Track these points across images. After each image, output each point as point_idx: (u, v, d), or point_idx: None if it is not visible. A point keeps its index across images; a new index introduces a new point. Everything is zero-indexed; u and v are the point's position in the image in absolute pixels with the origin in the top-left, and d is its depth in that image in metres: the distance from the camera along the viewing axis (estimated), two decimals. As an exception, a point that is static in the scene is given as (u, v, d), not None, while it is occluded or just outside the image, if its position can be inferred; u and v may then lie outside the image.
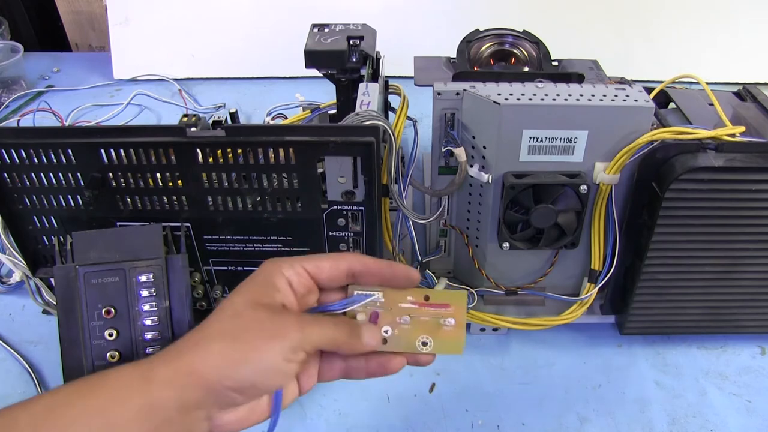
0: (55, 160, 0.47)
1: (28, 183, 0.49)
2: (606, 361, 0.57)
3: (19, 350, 0.58)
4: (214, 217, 0.51)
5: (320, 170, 0.48)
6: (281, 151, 0.46)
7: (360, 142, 0.45)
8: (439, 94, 0.49)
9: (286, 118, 0.85)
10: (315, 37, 0.60)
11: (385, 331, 0.43)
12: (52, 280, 0.57)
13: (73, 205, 0.50)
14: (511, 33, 0.62)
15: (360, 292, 0.43)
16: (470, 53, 0.62)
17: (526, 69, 0.60)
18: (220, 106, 0.96)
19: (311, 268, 0.41)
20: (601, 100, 0.47)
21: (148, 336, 0.47)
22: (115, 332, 0.47)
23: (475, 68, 0.60)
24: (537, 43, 0.61)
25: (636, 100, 0.46)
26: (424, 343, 0.43)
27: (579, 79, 0.55)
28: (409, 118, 0.55)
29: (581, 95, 0.47)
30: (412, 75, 0.56)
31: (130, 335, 0.47)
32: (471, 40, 0.62)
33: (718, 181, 0.47)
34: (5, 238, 0.57)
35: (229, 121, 0.66)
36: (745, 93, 0.58)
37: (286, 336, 0.37)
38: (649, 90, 0.57)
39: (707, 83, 0.54)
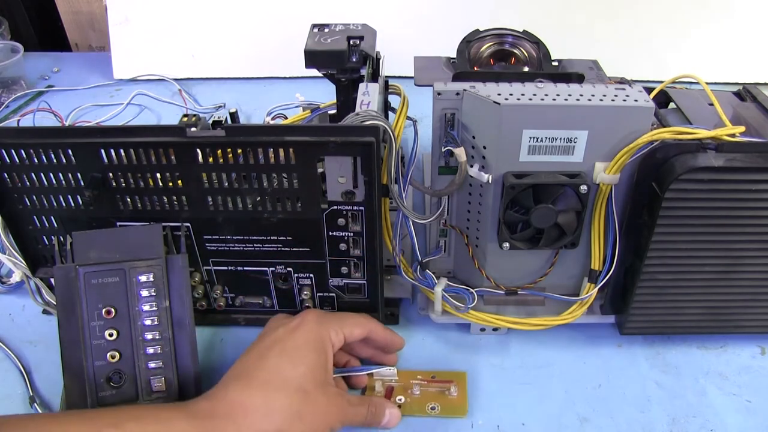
0: (55, 160, 0.47)
1: (28, 183, 0.49)
2: (606, 361, 0.57)
3: (19, 350, 0.58)
4: (214, 217, 0.51)
5: (320, 170, 0.48)
6: (281, 151, 0.46)
7: (360, 142, 0.45)
8: (439, 94, 0.49)
9: (286, 118, 0.85)
10: (315, 37, 0.60)
11: (399, 399, 0.52)
12: (52, 280, 0.57)
13: (73, 205, 0.50)
14: (511, 33, 0.62)
15: (378, 363, 0.54)
16: (470, 53, 0.62)
17: (526, 69, 0.60)
18: (220, 106, 0.96)
19: (348, 334, 0.49)
20: (601, 100, 0.46)
21: (149, 336, 0.47)
22: (115, 332, 0.47)
23: (475, 68, 0.60)
24: (537, 43, 0.61)
25: (636, 100, 0.46)
26: (433, 408, 0.52)
27: (579, 79, 0.55)
28: (409, 118, 0.54)
29: (581, 95, 0.47)
30: (412, 75, 0.56)
31: (130, 335, 0.47)
32: (471, 40, 0.62)
33: (718, 181, 0.47)
34: (5, 238, 0.57)
35: (229, 121, 0.66)
36: (745, 93, 0.58)
37: (333, 424, 0.44)
38: (649, 90, 0.57)
39: (707, 83, 0.54)
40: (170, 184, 0.49)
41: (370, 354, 0.55)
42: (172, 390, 0.48)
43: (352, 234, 0.51)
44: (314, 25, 0.62)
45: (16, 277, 0.63)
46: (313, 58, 0.58)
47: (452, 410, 0.51)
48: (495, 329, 0.58)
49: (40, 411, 0.52)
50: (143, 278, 0.48)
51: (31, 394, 0.53)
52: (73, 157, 0.47)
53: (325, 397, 0.44)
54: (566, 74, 0.56)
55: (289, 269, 0.54)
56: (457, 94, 0.49)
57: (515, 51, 0.62)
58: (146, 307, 0.47)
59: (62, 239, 0.51)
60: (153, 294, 0.48)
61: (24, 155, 0.47)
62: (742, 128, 0.47)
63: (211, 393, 0.44)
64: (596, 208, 0.51)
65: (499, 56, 0.62)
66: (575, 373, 0.55)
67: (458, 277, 0.60)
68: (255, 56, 1.03)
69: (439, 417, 0.51)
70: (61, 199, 0.50)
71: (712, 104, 0.53)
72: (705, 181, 0.46)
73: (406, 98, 0.55)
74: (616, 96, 0.47)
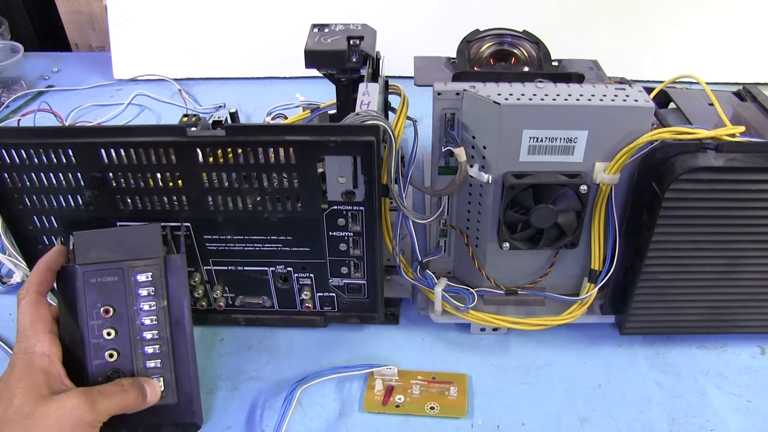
0: (55, 160, 0.47)
1: (28, 183, 0.49)
2: (606, 361, 0.57)
3: (18, 350, 0.57)
4: (214, 217, 0.51)
5: (320, 170, 0.48)
6: (281, 151, 0.46)
7: (360, 141, 0.45)
8: (439, 94, 0.49)
9: (286, 118, 0.85)
10: (315, 37, 0.60)
11: (399, 398, 0.52)
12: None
13: (73, 205, 0.50)
14: (511, 33, 0.62)
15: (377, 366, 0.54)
16: (470, 53, 0.62)
17: (526, 69, 0.60)
18: (220, 106, 0.96)
19: (52, 327, 0.46)
20: (601, 100, 0.46)
21: (147, 335, 0.47)
22: (113, 331, 0.47)
23: (475, 68, 0.60)
24: (537, 43, 0.61)
25: (636, 100, 0.46)
26: (432, 408, 0.52)
27: (579, 79, 0.55)
28: (409, 118, 0.54)
29: (581, 95, 0.47)
30: (412, 75, 0.56)
31: (128, 334, 0.47)
32: (471, 40, 0.62)
33: (718, 181, 0.47)
34: (5, 238, 0.57)
35: (229, 121, 0.66)
36: (745, 93, 0.58)
37: (83, 418, 0.42)
38: (649, 90, 0.57)
39: (707, 83, 0.54)
40: (170, 183, 0.49)
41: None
42: (170, 390, 0.48)
43: (352, 234, 0.51)
44: (314, 25, 0.62)
45: (16, 277, 0.63)
46: (313, 58, 0.58)
47: (451, 410, 0.52)
48: (495, 329, 0.58)
49: None
50: (141, 277, 0.48)
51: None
52: (73, 157, 0.47)
53: (55, 403, 0.42)
54: (566, 74, 0.56)
55: (289, 269, 0.54)
56: (457, 94, 0.49)
57: (515, 51, 0.62)
58: (145, 307, 0.47)
59: (63, 239, 0.51)
60: (151, 293, 0.48)
61: (24, 155, 0.47)
62: (742, 128, 0.47)
63: None
64: (596, 208, 0.51)
65: (499, 56, 0.62)
66: (575, 373, 0.55)
67: (458, 277, 0.60)
68: (255, 56, 1.03)
69: (438, 417, 0.51)
70: (61, 199, 0.50)
71: (712, 104, 0.53)
72: (705, 181, 0.46)
73: (406, 98, 0.55)
74: (616, 96, 0.47)
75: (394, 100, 0.59)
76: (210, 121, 0.52)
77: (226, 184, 0.48)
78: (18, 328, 0.46)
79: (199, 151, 0.47)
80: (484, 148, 0.50)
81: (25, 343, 0.45)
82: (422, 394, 0.53)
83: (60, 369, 0.45)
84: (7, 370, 0.44)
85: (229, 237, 0.52)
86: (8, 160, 0.47)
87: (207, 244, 0.53)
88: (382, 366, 0.54)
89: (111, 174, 0.48)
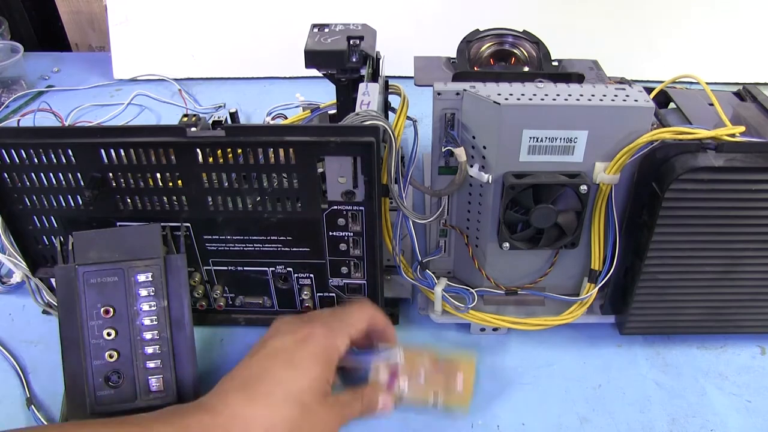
0: (55, 160, 0.47)
1: (28, 183, 0.49)
2: (606, 361, 0.57)
3: (18, 350, 0.58)
4: (214, 217, 0.51)
5: (320, 170, 0.48)
6: (281, 151, 0.46)
7: (360, 142, 0.45)
8: (439, 94, 0.49)
9: (286, 118, 0.85)
10: (315, 37, 0.60)
11: (403, 385, 0.50)
12: (52, 280, 0.57)
13: (73, 205, 0.50)
14: (511, 33, 0.62)
15: (384, 345, 0.51)
16: (470, 53, 0.62)
17: (526, 69, 0.60)
18: (220, 106, 0.96)
19: (353, 335, 0.48)
20: (601, 100, 0.46)
21: (147, 336, 0.47)
22: (113, 332, 0.47)
23: (475, 68, 0.60)
24: (537, 43, 0.61)
25: (636, 100, 0.46)
26: (435, 399, 0.50)
27: (579, 79, 0.55)
28: (409, 118, 0.54)
29: (581, 95, 0.47)
30: (412, 75, 0.56)
31: (128, 335, 0.47)
32: (471, 40, 0.62)
33: (718, 181, 0.47)
34: (5, 238, 0.57)
35: (229, 121, 0.66)
36: (745, 93, 0.58)
37: (333, 429, 0.44)
38: (649, 90, 0.57)
39: (707, 83, 0.54)
40: (170, 184, 0.49)
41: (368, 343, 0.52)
42: (170, 390, 0.48)
43: (352, 234, 0.51)
44: (314, 25, 0.62)
45: (16, 278, 0.63)
46: (313, 58, 0.58)
47: (454, 403, 0.50)
48: (495, 329, 0.58)
49: (37, 413, 0.52)
50: (142, 278, 0.48)
51: (28, 396, 0.53)
52: (73, 157, 0.47)
53: (324, 408, 0.44)
54: (566, 74, 0.56)
55: (289, 269, 0.54)
56: (457, 94, 0.49)
57: (515, 51, 0.61)
58: (145, 307, 0.47)
59: (63, 239, 0.51)
60: (151, 294, 0.48)
61: (24, 155, 0.47)
62: (742, 128, 0.47)
63: (209, 403, 0.42)
64: (596, 208, 0.51)
65: (499, 56, 0.62)
66: (575, 373, 0.55)
67: (458, 277, 0.60)
68: (255, 56, 1.03)
69: (439, 413, 0.51)
70: (61, 199, 0.50)
71: (712, 104, 0.53)
72: (705, 181, 0.46)
73: (406, 98, 0.55)
74: (616, 96, 0.47)
75: (394, 100, 0.59)
76: (210, 122, 0.52)
77: (226, 184, 0.48)
78: (337, 312, 0.49)
79: (199, 151, 0.47)
80: (484, 148, 0.50)
81: (337, 329, 0.47)
82: (427, 381, 0.50)
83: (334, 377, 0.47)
84: (304, 338, 0.45)
85: (229, 237, 0.52)
86: (8, 160, 0.47)
87: (207, 244, 0.53)
88: (387, 350, 0.51)
89: (111, 174, 0.48)
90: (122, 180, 0.48)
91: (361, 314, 0.50)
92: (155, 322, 0.48)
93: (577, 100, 0.46)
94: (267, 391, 0.42)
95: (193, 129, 0.46)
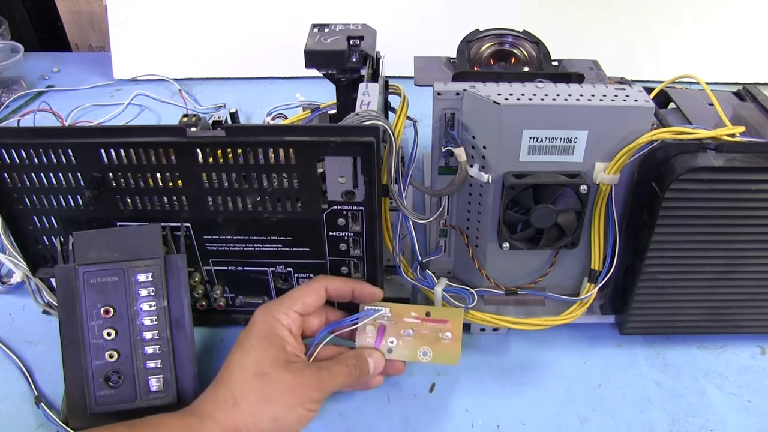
0: (55, 160, 0.47)
1: (28, 183, 0.49)
2: (606, 361, 0.57)
3: (19, 350, 0.58)
4: (214, 217, 0.51)
5: (320, 170, 0.48)
6: (281, 151, 0.46)
7: (360, 142, 0.45)
8: (439, 94, 0.49)
9: (286, 118, 0.85)
10: (315, 37, 0.60)
11: (391, 342, 0.51)
12: (53, 280, 0.57)
13: (73, 205, 0.50)
14: (511, 33, 0.62)
15: (370, 307, 0.52)
16: (470, 53, 0.62)
17: (526, 69, 0.60)
18: (220, 106, 0.96)
19: (300, 309, 0.50)
20: (601, 100, 0.47)
21: (147, 336, 0.47)
22: (113, 332, 0.47)
23: (475, 68, 0.60)
24: (537, 43, 0.61)
25: (636, 100, 0.46)
26: (424, 353, 0.50)
27: (579, 79, 0.55)
28: (409, 118, 0.54)
29: (581, 95, 0.47)
30: (412, 75, 0.56)
31: (128, 335, 0.47)
32: (471, 40, 0.62)
33: (718, 181, 0.47)
34: (5, 238, 0.57)
35: (229, 121, 0.66)
36: (745, 93, 0.58)
37: (312, 396, 0.46)
38: (649, 90, 0.57)
39: (707, 83, 0.54)
40: (170, 184, 0.49)
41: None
42: (170, 390, 0.48)
43: (352, 234, 0.51)
44: (314, 25, 0.62)
45: (16, 278, 0.63)
46: (313, 58, 0.58)
47: (444, 357, 0.51)
48: (495, 329, 0.58)
49: (49, 411, 0.51)
50: (142, 278, 0.48)
51: (36, 394, 0.53)
52: (73, 157, 0.47)
53: (290, 373, 0.46)
54: (566, 74, 0.56)
55: (289, 269, 0.54)
56: (457, 94, 0.49)
57: (515, 51, 0.62)
58: (145, 307, 0.47)
59: (63, 239, 0.51)
60: (151, 294, 0.48)
61: (24, 155, 0.47)
62: (742, 128, 0.47)
63: (190, 410, 0.46)
64: (596, 208, 0.51)
65: (499, 56, 0.62)
66: (575, 373, 0.55)
67: (458, 277, 0.60)
68: (255, 56, 1.03)
69: (431, 363, 0.51)
70: (61, 199, 0.50)
71: (712, 104, 0.53)
72: (705, 181, 0.46)
73: (406, 98, 0.55)
74: (616, 96, 0.47)
75: (394, 100, 0.59)
76: (210, 122, 0.52)
77: (226, 184, 0.48)
78: (288, 292, 0.51)
79: (199, 151, 0.47)
80: (484, 148, 0.50)
81: (276, 307, 0.49)
82: (415, 337, 0.51)
83: (297, 344, 0.49)
84: (248, 325, 0.49)
85: (229, 237, 0.52)
86: (8, 160, 0.47)
87: (207, 244, 0.53)
88: (375, 314, 0.52)
89: (111, 174, 0.48)
90: (122, 180, 0.48)
91: (308, 288, 0.51)
92: (155, 322, 0.48)
93: (577, 100, 0.46)
94: (226, 374, 0.46)
95: (193, 129, 0.46)
